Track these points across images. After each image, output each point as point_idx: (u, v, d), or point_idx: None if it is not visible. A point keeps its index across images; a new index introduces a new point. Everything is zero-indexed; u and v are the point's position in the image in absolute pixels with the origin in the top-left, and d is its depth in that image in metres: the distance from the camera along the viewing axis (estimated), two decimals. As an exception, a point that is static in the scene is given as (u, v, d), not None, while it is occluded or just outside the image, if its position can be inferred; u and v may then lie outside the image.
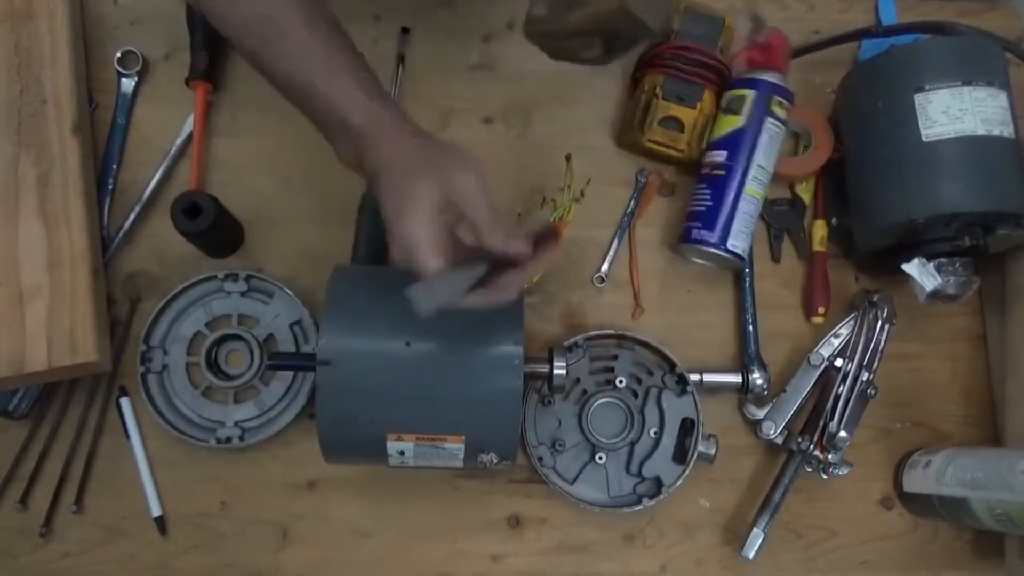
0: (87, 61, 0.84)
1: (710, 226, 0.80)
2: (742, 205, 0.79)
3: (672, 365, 0.79)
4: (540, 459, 0.77)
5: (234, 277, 0.79)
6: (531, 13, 0.64)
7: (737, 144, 0.80)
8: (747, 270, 0.84)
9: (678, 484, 0.76)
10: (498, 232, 0.59)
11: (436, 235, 0.59)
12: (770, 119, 0.80)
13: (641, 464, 0.78)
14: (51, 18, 0.80)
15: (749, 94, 0.81)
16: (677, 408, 0.79)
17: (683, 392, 0.79)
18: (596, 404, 0.79)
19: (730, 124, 0.81)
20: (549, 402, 0.79)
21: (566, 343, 0.79)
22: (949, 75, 0.75)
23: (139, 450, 0.77)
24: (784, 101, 0.80)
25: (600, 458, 0.78)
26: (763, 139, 0.80)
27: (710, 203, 0.80)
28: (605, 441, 0.78)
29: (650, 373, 0.80)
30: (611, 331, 0.80)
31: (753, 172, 0.80)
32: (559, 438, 0.78)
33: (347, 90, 0.62)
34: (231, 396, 0.78)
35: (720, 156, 0.81)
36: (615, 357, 0.80)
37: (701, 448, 0.77)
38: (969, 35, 0.78)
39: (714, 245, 0.79)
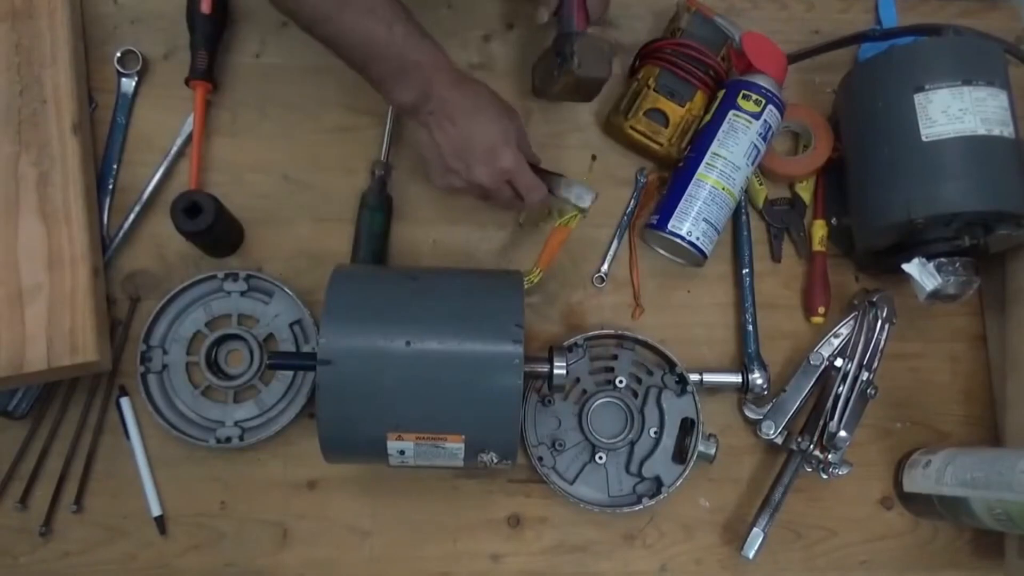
0: (87, 61, 0.84)
1: (658, 211, 0.82)
2: (691, 189, 0.80)
3: (672, 365, 0.79)
4: (540, 459, 0.77)
5: (234, 277, 0.79)
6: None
7: (700, 137, 0.82)
8: (747, 270, 0.84)
9: (678, 484, 0.76)
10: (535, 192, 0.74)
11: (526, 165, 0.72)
12: (734, 111, 0.81)
13: (641, 464, 0.78)
14: (51, 17, 0.80)
15: (720, 93, 0.83)
16: (677, 408, 0.79)
17: (683, 392, 0.79)
18: (596, 404, 0.79)
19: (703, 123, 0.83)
20: (549, 402, 0.79)
21: (566, 343, 0.79)
22: (949, 75, 0.75)
23: (139, 450, 0.77)
24: (752, 95, 0.81)
25: (600, 458, 0.78)
26: (723, 128, 0.81)
27: (665, 191, 0.83)
28: (605, 441, 0.78)
29: (650, 373, 0.80)
30: (611, 331, 0.80)
31: (707, 159, 0.80)
32: (559, 438, 0.78)
33: (415, 35, 0.69)
34: (231, 396, 0.78)
35: (688, 152, 0.83)
36: (615, 357, 0.80)
37: (701, 448, 0.77)
38: (967, 37, 0.78)
39: (656, 227, 0.81)
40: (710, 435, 0.78)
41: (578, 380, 0.80)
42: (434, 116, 0.71)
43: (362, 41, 0.68)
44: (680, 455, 0.78)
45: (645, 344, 0.80)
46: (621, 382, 0.79)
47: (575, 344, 0.79)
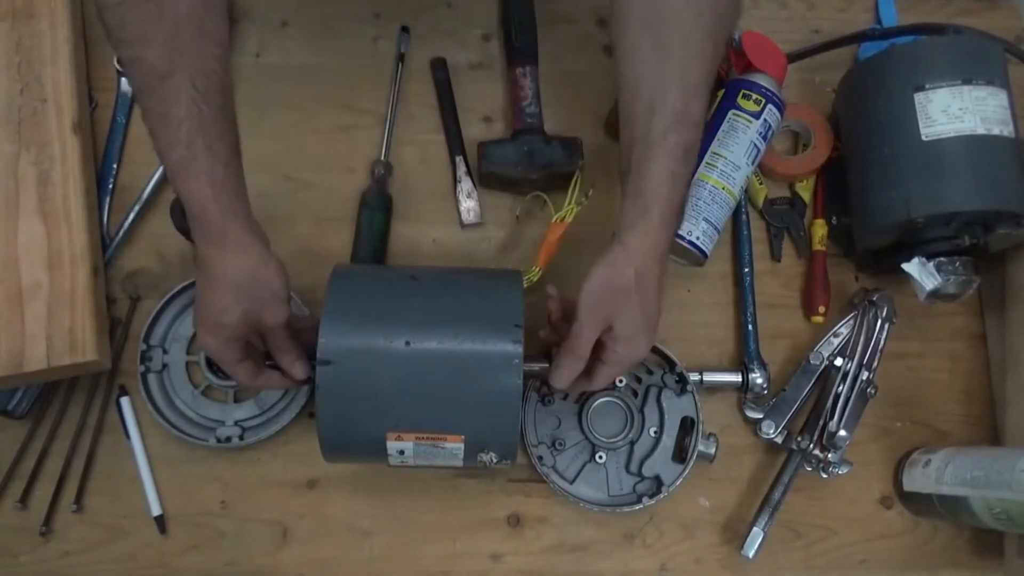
0: (87, 60, 0.84)
1: None
2: (691, 189, 0.79)
3: (672, 364, 0.79)
4: (540, 458, 0.77)
5: None
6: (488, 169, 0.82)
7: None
8: (747, 269, 0.84)
9: (678, 483, 0.77)
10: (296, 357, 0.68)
11: (236, 354, 0.66)
12: (733, 111, 0.81)
13: (641, 463, 0.78)
14: (52, 16, 0.80)
15: (719, 93, 0.83)
16: (677, 407, 0.79)
17: (683, 391, 0.79)
18: (596, 403, 0.79)
19: None
20: (549, 401, 0.79)
21: None
22: (949, 74, 0.75)
23: (139, 449, 0.77)
24: (752, 94, 0.81)
25: (600, 457, 0.78)
26: (723, 128, 0.81)
27: None
28: (605, 440, 0.78)
29: (650, 372, 0.80)
30: None
31: (707, 159, 0.80)
32: (559, 437, 0.78)
33: (198, 159, 0.60)
34: (231, 396, 0.78)
35: None
36: None
37: (701, 447, 0.77)
38: (967, 36, 0.78)
39: None
40: (710, 434, 0.78)
41: None
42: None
43: (152, 126, 0.61)
44: (680, 454, 0.78)
45: None
46: (621, 381, 0.79)
47: None
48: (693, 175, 0.66)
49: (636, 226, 0.64)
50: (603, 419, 0.79)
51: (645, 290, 0.65)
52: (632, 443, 0.78)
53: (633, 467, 0.78)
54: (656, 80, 0.64)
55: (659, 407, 0.79)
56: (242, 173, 0.64)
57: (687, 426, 0.78)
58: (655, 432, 0.78)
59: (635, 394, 0.79)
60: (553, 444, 0.78)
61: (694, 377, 0.79)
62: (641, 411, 0.79)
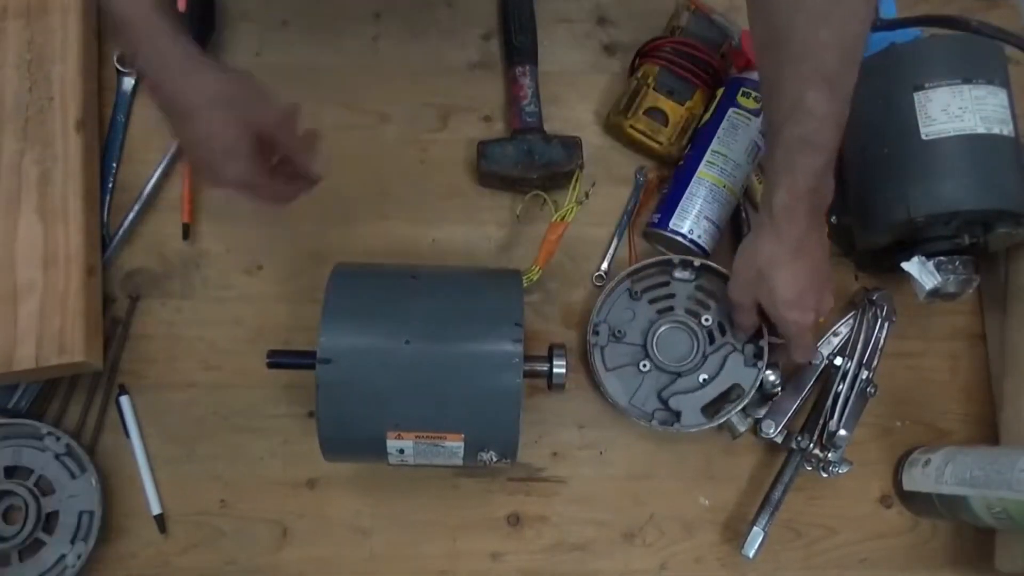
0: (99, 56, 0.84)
1: (659, 210, 0.83)
2: (692, 188, 0.80)
3: (759, 335, 0.78)
4: (596, 333, 0.78)
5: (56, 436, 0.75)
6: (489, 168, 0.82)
7: (700, 135, 0.83)
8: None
9: (693, 431, 0.77)
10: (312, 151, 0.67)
11: (248, 162, 0.62)
12: (733, 109, 0.81)
13: (673, 396, 0.78)
14: (64, 14, 0.80)
15: (720, 92, 0.83)
16: (735, 372, 0.78)
17: (751, 363, 0.78)
18: (667, 326, 0.79)
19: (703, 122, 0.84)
20: (636, 296, 0.80)
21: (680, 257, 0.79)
22: (949, 73, 0.75)
23: (139, 449, 0.77)
24: (752, 92, 0.81)
25: (644, 366, 0.78)
26: (723, 126, 0.81)
27: (666, 191, 0.83)
28: (658, 358, 0.78)
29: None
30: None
31: (708, 157, 0.81)
32: (622, 328, 0.79)
33: None
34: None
35: (688, 150, 0.83)
36: (718, 300, 0.80)
37: (734, 418, 0.77)
38: (975, 28, 0.77)
39: (657, 226, 0.81)
40: (748, 416, 0.78)
41: (674, 297, 0.80)
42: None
43: None
44: (713, 411, 0.78)
45: None
46: (707, 320, 0.79)
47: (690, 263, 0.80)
48: (832, 161, 0.67)
49: (763, 215, 0.69)
50: (667, 340, 0.79)
51: (781, 275, 0.69)
52: (679, 375, 0.78)
53: (665, 394, 0.78)
54: (776, 73, 0.65)
55: (722, 362, 0.79)
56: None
57: (732, 394, 0.78)
58: (704, 380, 0.78)
59: (711, 340, 0.79)
60: (613, 331, 0.79)
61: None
62: (705, 355, 0.79)
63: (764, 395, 0.79)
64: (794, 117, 0.64)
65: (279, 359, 0.71)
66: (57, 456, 0.75)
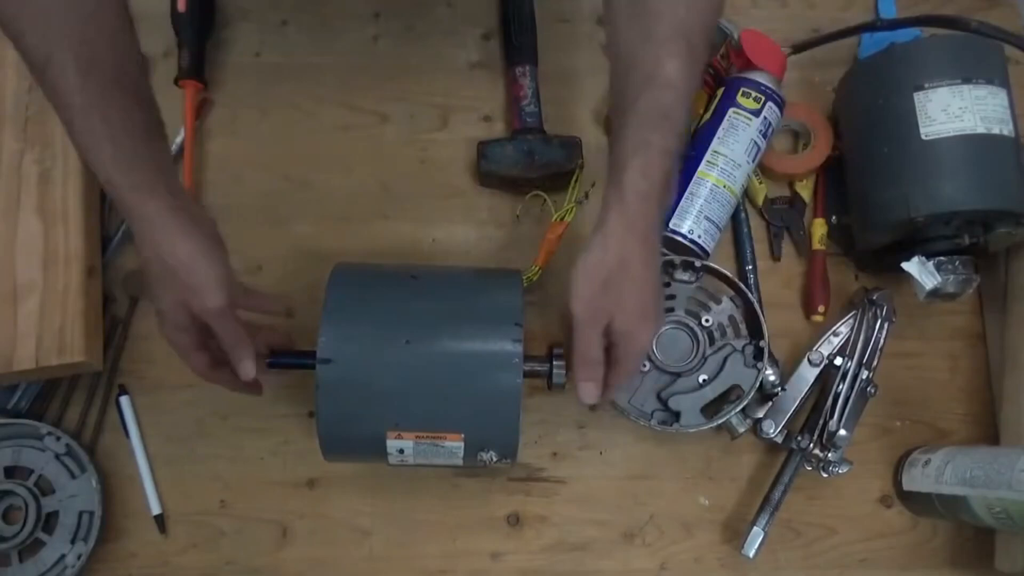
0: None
1: None
2: (692, 188, 0.80)
3: (759, 335, 0.78)
4: None
5: (56, 436, 0.76)
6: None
7: (700, 135, 0.83)
8: (749, 267, 0.84)
9: (692, 431, 0.77)
10: (243, 353, 0.64)
11: (186, 342, 0.64)
12: (733, 109, 0.81)
13: (672, 396, 0.78)
14: None
15: (720, 92, 0.83)
16: (736, 373, 0.78)
17: (751, 364, 0.78)
18: (667, 326, 0.79)
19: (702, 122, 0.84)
20: None
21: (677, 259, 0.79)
22: (949, 73, 0.75)
23: (139, 449, 0.77)
24: (752, 92, 0.81)
25: (644, 366, 0.78)
26: (723, 126, 0.81)
27: None
28: (659, 358, 0.78)
29: (737, 334, 0.80)
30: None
31: (708, 157, 0.80)
32: None
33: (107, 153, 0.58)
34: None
35: (689, 151, 0.83)
36: (719, 302, 0.80)
37: (733, 419, 0.77)
38: (975, 28, 0.77)
39: None
40: (747, 417, 0.78)
41: (675, 298, 0.80)
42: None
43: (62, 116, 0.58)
44: (712, 412, 0.78)
45: (751, 305, 0.79)
46: (708, 321, 0.79)
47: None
48: (681, 148, 0.61)
49: (612, 204, 0.60)
50: (667, 340, 0.79)
51: (634, 278, 0.60)
52: (678, 375, 0.78)
53: (664, 395, 0.78)
54: (629, 40, 0.60)
55: (722, 363, 0.79)
56: (158, 148, 0.62)
57: (732, 394, 0.78)
58: (703, 381, 0.78)
59: (711, 340, 0.79)
60: None
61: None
62: (705, 356, 0.79)
63: (764, 396, 0.79)
64: (651, 88, 0.58)
65: (279, 359, 0.71)
66: (57, 456, 0.76)
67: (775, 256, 0.86)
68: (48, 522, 0.75)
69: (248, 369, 0.64)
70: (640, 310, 0.61)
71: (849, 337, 0.81)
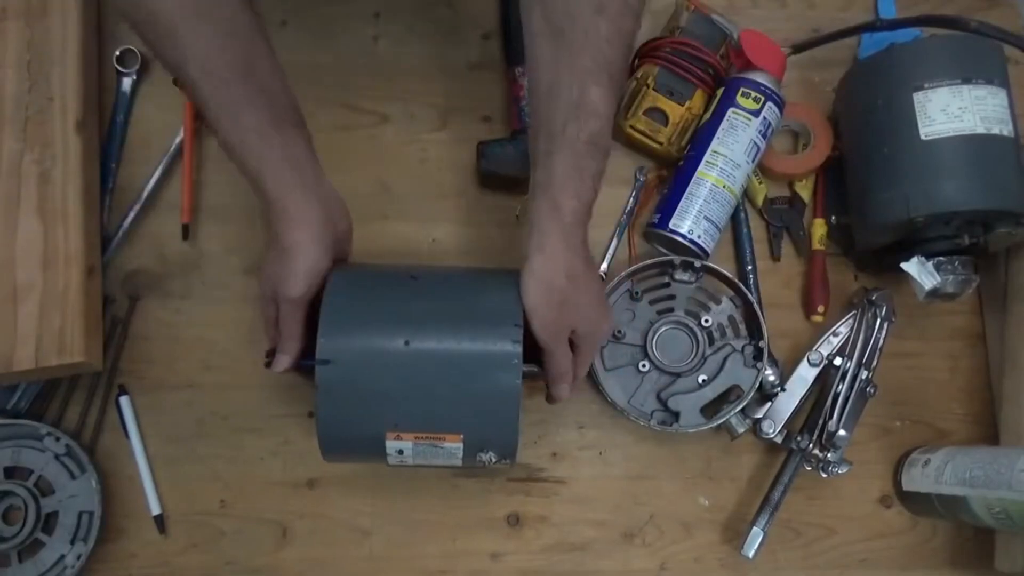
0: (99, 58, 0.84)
1: (659, 210, 0.83)
2: (692, 188, 0.80)
3: (759, 335, 0.79)
4: None
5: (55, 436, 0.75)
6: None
7: (700, 135, 0.83)
8: (749, 267, 0.84)
9: (692, 431, 0.77)
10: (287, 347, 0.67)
11: (271, 317, 0.68)
12: (733, 109, 0.81)
13: (672, 397, 0.78)
14: (64, 14, 0.79)
15: (720, 92, 0.83)
16: (735, 373, 0.79)
17: (751, 364, 0.79)
18: (667, 328, 0.79)
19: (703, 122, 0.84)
20: (637, 297, 0.80)
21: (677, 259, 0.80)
22: (948, 73, 0.75)
23: (139, 449, 0.77)
24: (751, 92, 0.81)
25: (643, 366, 0.78)
26: (723, 126, 0.81)
27: (666, 191, 0.83)
28: (657, 359, 0.78)
29: (736, 334, 0.80)
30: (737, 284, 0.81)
31: (708, 157, 0.81)
32: (623, 329, 0.79)
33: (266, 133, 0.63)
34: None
35: (688, 150, 0.83)
36: (718, 302, 0.81)
37: (733, 419, 0.77)
38: (974, 28, 0.77)
39: (657, 226, 0.81)
40: (747, 417, 0.78)
41: (673, 297, 0.81)
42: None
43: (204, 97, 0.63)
44: (711, 412, 0.78)
45: (751, 306, 0.80)
46: (707, 321, 0.79)
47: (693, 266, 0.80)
48: (603, 170, 0.65)
49: (551, 228, 0.64)
50: (667, 341, 0.80)
51: (582, 286, 0.65)
52: (678, 376, 0.79)
53: (664, 395, 0.78)
54: (553, 69, 0.63)
55: (722, 363, 0.79)
56: (291, 143, 0.65)
57: (731, 395, 0.78)
58: (703, 381, 0.79)
59: (711, 341, 0.79)
60: (613, 332, 0.79)
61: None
62: (704, 356, 0.79)
63: (763, 396, 0.79)
64: (578, 117, 0.61)
65: (308, 361, 0.71)
66: (57, 456, 0.76)
67: (775, 256, 0.86)
68: (48, 522, 0.75)
69: (280, 364, 0.67)
70: (597, 313, 0.67)
71: (849, 337, 0.81)
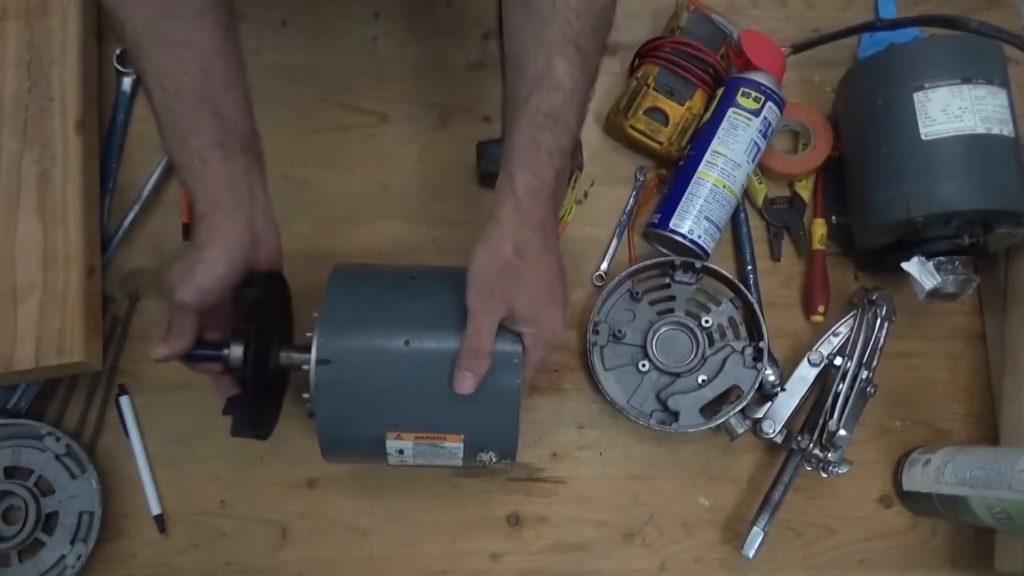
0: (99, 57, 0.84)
1: (659, 210, 0.83)
2: (692, 188, 0.80)
3: (759, 336, 0.79)
4: (596, 332, 0.79)
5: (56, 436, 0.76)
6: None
7: (700, 135, 0.83)
8: (749, 267, 0.84)
9: (691, 431, 0.77)
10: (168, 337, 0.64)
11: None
12: (733, 109, 0.81)
13: (671, 397, 0.78)
14: (64, 13, 0.79)
15: (720, 92, 0.83)
16: (735, 373, 0.79)
17: (751, 365, 0.79)
18: (667, 328, 0.80)
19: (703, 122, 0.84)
20: (638, 297, 0.80)
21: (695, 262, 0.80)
22: (948, 73, 0.75)
23: (138, 449, 0.77)
24: (752, 92, 0.81)
25: (643, 366, 0.78)
26: (723, 126, 0.81)
27: (666, 191, 0.83)
28: (657, 358, 0.79)
29: (737, 335, 0.80)
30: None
31: (708, 157, 0.81)
32: (622, 328, 0.79)
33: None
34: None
35: (688, 150, 0.83)
36: (718, 303, 0.81)
37: (732, 420, 0.77)
38: (974, 28, 0.77)
39: (657, 226, 0.81)
40: (747, 417, 0.78)
41: (673, 298, 0.81)
42: None
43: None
44: (711, 412, 0.78)
45: (751, 306, 0.80)
46: (707, 323, 0.79)
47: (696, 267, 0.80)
48: (571, 146, 0.63)
49: (505, 199, 0.62)
50: (667, 341, 0.80)
51: (532, 263, 0.62)
52: (678, 376, 0.79)
53: (664, 395, 0.78)
54: (521, 43, 0.62)
55: (722, 364, 0.79)
56: (235, 170, 0.64)
57: (731, 395, 0.78)
58: (702, 381, 0.79)
59: (711, 342, 0.79)
60: (613, 331, 0.79)
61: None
62: (704, 357, 0.79)
63: (763, 396, 0.79)
64: (541, 89, 0.60)
65: (195, 351, 0.67)
66: (57, 456, 0.75)
67: (775, 256, 0.86)
68: (48, 522, 0.75)
69: (158, 352, 0.63)
70: (544, 293, 0.63)
71: (849, 337, 0.81)
